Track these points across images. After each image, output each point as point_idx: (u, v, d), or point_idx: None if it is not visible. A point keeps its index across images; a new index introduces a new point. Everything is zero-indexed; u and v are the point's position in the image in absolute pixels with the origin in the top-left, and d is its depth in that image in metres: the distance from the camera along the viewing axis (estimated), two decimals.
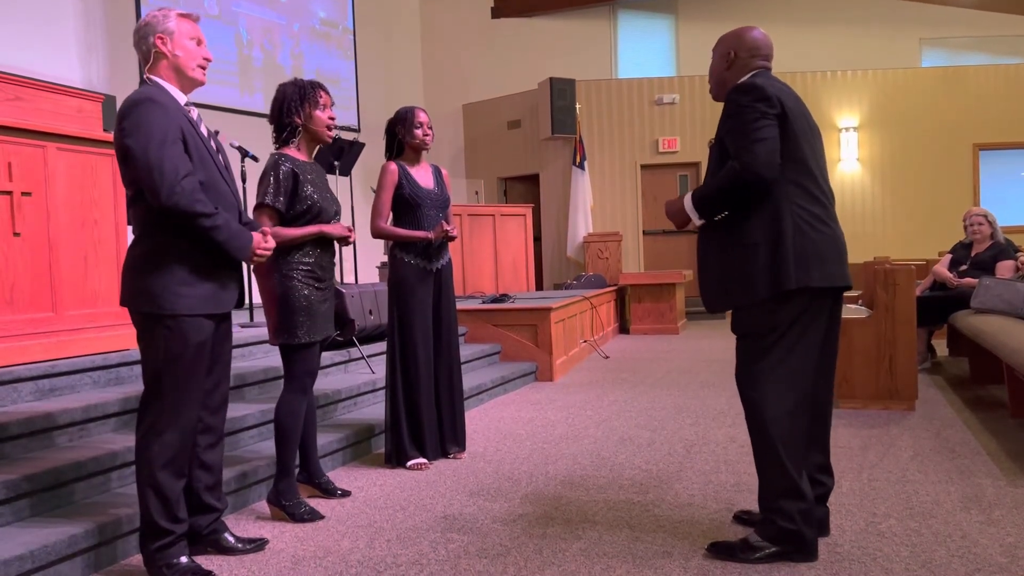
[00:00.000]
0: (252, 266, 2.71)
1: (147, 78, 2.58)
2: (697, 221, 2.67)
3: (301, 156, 3.22)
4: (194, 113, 2.62)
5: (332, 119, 3.27)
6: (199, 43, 2.63)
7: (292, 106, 3.18)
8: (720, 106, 2.68)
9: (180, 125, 2.49)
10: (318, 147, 3.40)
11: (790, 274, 2.48)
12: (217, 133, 2.84)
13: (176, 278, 2.49)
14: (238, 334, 4.18)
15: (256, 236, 2.66)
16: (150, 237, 2.51)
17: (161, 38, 2.55)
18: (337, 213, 3.31)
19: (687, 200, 2.67)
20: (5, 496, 2.65)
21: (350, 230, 3.30)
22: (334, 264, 3.32)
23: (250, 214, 3.07)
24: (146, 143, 2.40)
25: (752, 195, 2.51)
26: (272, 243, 2.73)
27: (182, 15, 2.61)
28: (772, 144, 2.48)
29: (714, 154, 2.66)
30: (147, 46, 2.57)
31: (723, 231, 2.62)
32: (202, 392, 2.61)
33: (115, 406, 3.38)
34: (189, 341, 2.51)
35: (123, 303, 2.57)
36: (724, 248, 2.61)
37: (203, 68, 2.64)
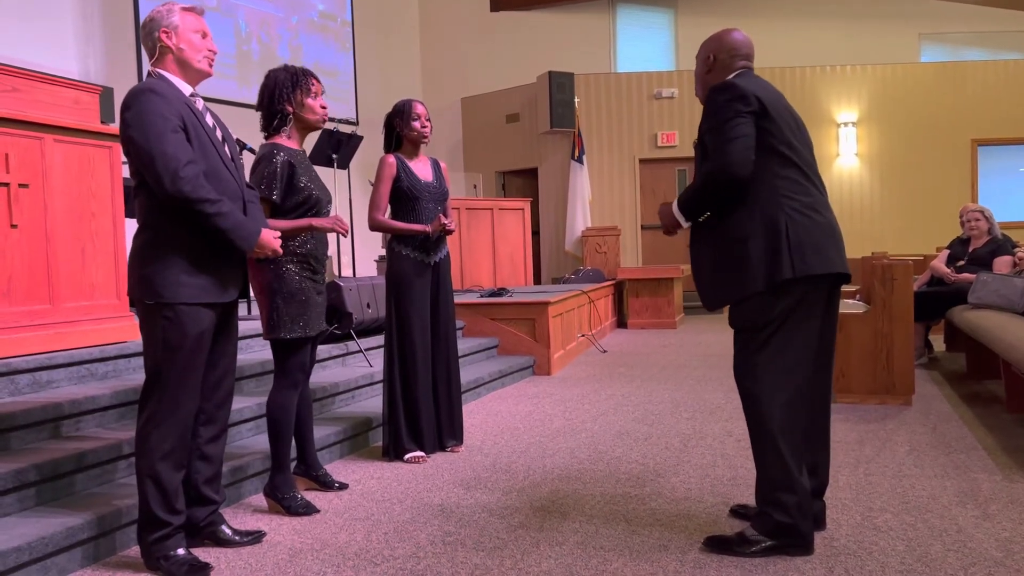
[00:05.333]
0: (252, 258, 2.71)
1: (151, 71, 2.61)
2: (684, 224, 2.70)
3: (293, 145, 3.19)
4: (199, 104, 2.63)
5: (324, 108, 3.24)
6: (204, 36, 2.65)
7: (284, 93, 3.14)
8: None
9: (181, 114, 2.51)
10: (307, 134, 3.35)
11: (787, 264, 2.48)
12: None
13: (176, 267, 2.50)
14: None
15: (266, 232, 2.65)
16: (152, 227, 2.53)
17: (166, 32, 2.58)
18: (328, 203, 3.28)
19: (674, 205, 2.70)
20: (3, 487, 2.65)
21: (339, 221, 3.16)
22: (327, 256, 3.30)
23: None
24: (147, 133, 2.42)
25: (731, 193, 2.53)
26: (278, 244, 2.70)
27: (186, 9, 2.63)
28: (745, 142, 2.49)
29: (698, 153, 2.69)
30: (152, 41, 2.61)
31: (715, 228, 2.63)
32: (200, 383, 2.61)
33: (113, 398, 3.38)
34: (188, 332, 2.51)
35: (128, 293, 2.60)
36: (716, 245, 2.63)
37: (209, 60, 2.66)
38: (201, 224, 2.48)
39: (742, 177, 2.49)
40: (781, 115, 2.58)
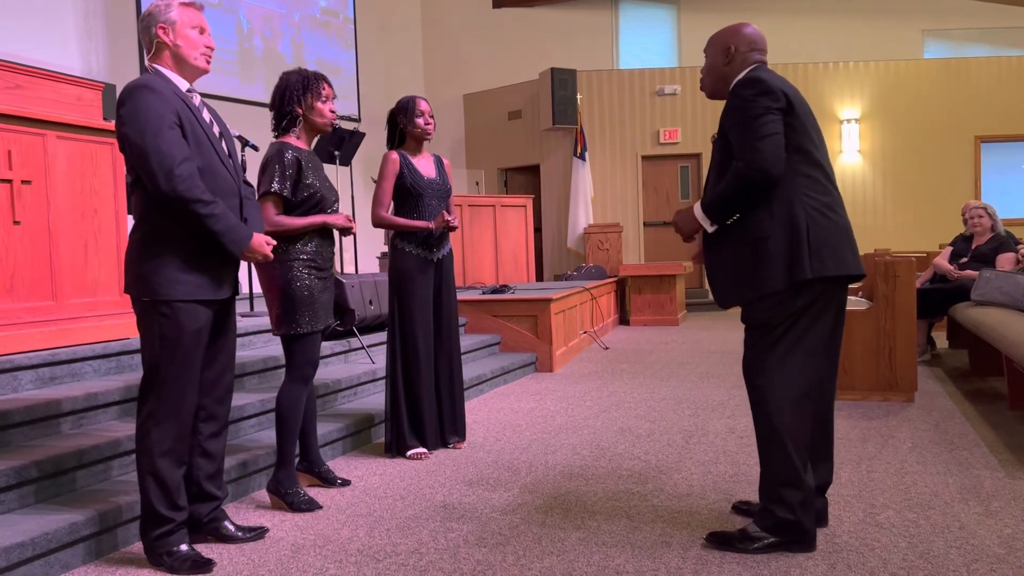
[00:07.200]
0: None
1: (148, 66, 2.60)
2: (710, 228, 2.63)
3: (302, 145, 3.23)
4: (196, 99, 2.61)
5: (333, 112, 3.28)
6: (202, 31, 2.62)
7: (295, 95, 3.19)
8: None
9: (177, 110, 2.49)
10: (317, 136, 3.40)
11: (806, 264, 2.47)
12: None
13: (172, 264, 2.49)
14: (238, 323, 4.17)
15: (258, 237, 2.65)
16: (148, 224, 2.52)
17: (163, 28, 2.56)
18: (335, 202, 3.32)
19: (696, 209, 2.64)
20: (6, 483, 2.65)
21: (350, 220, 3.30)
22: (334, 253, 3.33)
23: None
24: (142, 130, 2.41)
25: (762, 193, 2.50)
26: (268, 250, 2.71)
27: (185, 4, 2.60)
28: (777, 140, 2.46)
29: (717, 148, 2.65)
30: (149, 36, 2.58)
31: (734, 226, 2.60)
32: (199, 380, 2.61)
33: (116, 394, 3.39)
34: (185, 328, 2.51)
35: (125, 290, 2.60)
36: (735, 243, 2.59)
37: (206, 57, 2.64)
38: (193, 224, 2.47)
39: (776, 176, 2.45)
40: (804, 112, 2.56)
